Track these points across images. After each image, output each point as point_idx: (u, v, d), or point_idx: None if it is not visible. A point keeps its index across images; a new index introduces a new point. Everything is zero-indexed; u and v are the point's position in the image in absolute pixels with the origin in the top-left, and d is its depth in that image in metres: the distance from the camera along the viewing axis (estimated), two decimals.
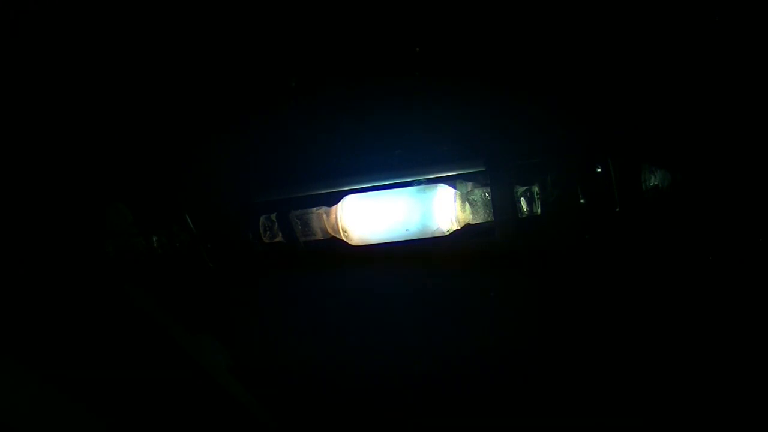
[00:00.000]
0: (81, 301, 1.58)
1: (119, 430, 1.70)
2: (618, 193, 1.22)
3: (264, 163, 1.54)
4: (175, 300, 1.64)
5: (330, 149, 1.50)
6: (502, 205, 1.27)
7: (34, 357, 1.58)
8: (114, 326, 1.62)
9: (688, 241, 1.35)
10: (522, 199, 1.26)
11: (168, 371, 1.68)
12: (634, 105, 1.32)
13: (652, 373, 1.50)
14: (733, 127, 1.26)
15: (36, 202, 1.54)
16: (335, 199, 1.39)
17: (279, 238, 1.43)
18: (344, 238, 1.37)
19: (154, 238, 1.49)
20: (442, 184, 1.33)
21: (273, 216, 1.43)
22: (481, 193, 1.30)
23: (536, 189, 1.26)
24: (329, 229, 1.39)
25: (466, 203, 1.30)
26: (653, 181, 1.22)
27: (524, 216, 1.27)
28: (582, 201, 1.24)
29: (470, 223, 1.31)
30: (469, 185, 1.33)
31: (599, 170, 1.23)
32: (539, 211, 1.26)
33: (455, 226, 1.32)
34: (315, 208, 1.41)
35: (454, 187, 1.32)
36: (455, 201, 1.30)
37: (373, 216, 1.34)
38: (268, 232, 1.44)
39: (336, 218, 1.36)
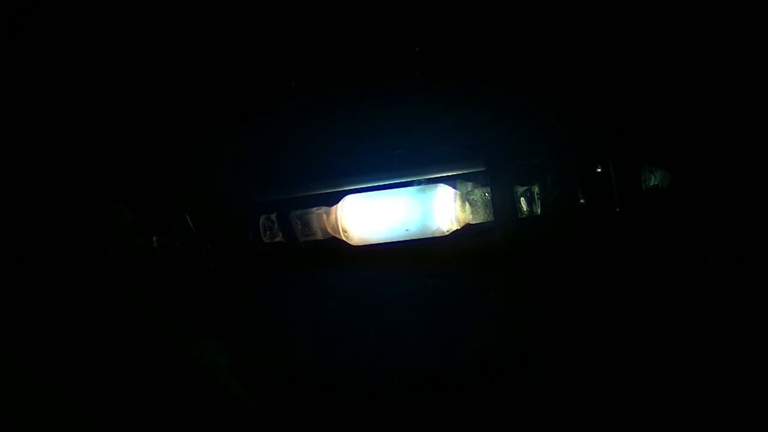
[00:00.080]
0: (81, 301, 1.58)
1: (119, 430, 1.70)
2: (618, 193, 1.22)
3: (264, 163, 1.54)
4: (175, 300, 1.64)
5: (330, 149, 1.50)
6: (502, 205, 1.27)
7: (34, 357, 1.58)
8: (114, 326, 1.62)
9: (688, 241, 1.35)
10: (522, 199, 1.26)
11: (168, 371, 1.68)
12: (634, 105, 1.32)
13: (652, 373, 1.50)
14: (733, 127, 1.26)
15: (36, 202, 1.54)
16: (335, 199, 1.39)
17: (279, 238, 1.43)
18: (344, 238, 1.37)
19: (154, 238, 1.49)
20: (442, 184, 1.33)
21: (273, 216, 1.43)
22: (481, 193, 1.30)
23: (536, 189, 1.26)
24: (329, 229, 1.39)
25: (466, 203, 1.30)
26: (653, 181, 1.22)
27: (524, 216, 1.27)
28: (582, 201, 1.24)
29: (470, 223, 1.31)
30: (469, 185, 1.33)
31: (599, 170, 1.23)
32: (539, 211, 1.26)
33: (455, 226, 1.32)
34: (315, 208, 1.41)
35: (454, 187, 1.33)
36: (455, 201, 1.30)
37: (373, 216, 1.34)
38: (268, 232, 1.44)
39: (336, 218, 1.36)
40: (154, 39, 1.45)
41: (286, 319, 1.69)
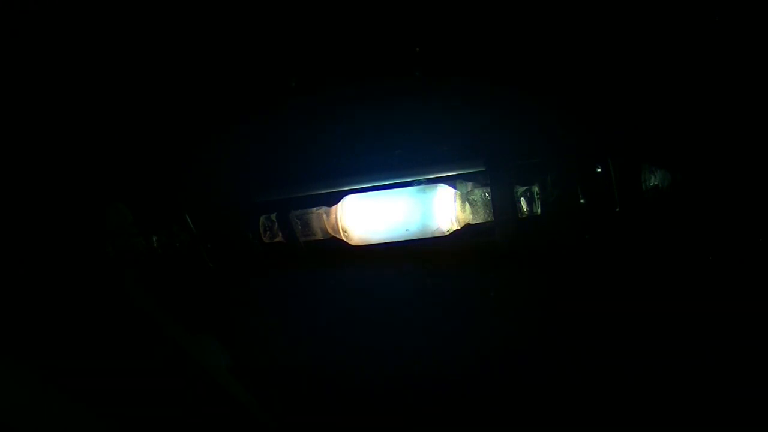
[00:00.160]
0: (81, 301, 1.58)
1: (119, 430, 1.70)
2: (618, 193, 1.22)
3: (264, 163, 1.54)
4: (175, 300, 1.64)
5: (330, 149, 1.50)
6: (502, 205, 1.27)
7: (34, 357, 1.58)
8: (114, 326, 1.62)
9: (688, 241, 1.35)
10: (522, 199, 1.26)
11: (168, 371, 1.68)
12: (634, 105, 1.32)
13: (652, 373, 1.49)
14: (733, 128, 1.26)
15: (36, 202, 1.54)
16: (335, 199, 1.39)
17: (279, 238, 1.43)
18: (344, 238, 1.37)
19: (154, 238, 1.49)
20: (442, 184, 1.33)
21: (273, 216, 1.43)
22: (481, 193, 1.30)
23: (536, 189, 1.26)
24: (329, 229, 1.39)
25: (466, 203, 1.30)
26: (653, 181, 1.22)
27: (524, 216, 1.27)
28: (582, 201, 1.24)
29: (470, 223, 1.31)
30: (469, 185, 1.33)
31: (599, 170, 1.23)
32: (539, 211, 1.26)
33: (455, 226, 1.32)
34: (315, 208, 1.41)
35: (454, 187, 1.33)
36: (455, 201, 1.30)
37: (373, 216, 1.34)
38: (268, 232, 1.44)
39: (336, 218, 1.36)
40: (154, 39, 1.45)
41: (286, 319, 1.69)
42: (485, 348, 1.58)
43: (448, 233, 1.32)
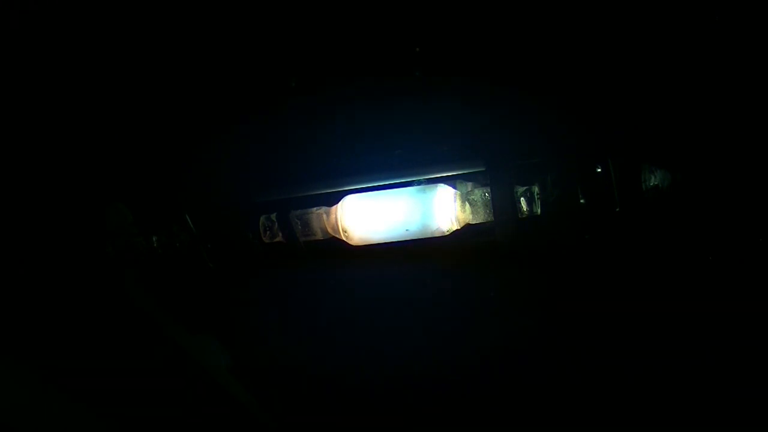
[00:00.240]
0: (81, 301, 1.58)
1: (119, 430, 1.70)
2: (618, 193, 1.22)
3: (264, 163, 1.54)
4: (175, 300, 1.64)
5: (330, 149, 1.50)
6: (502, 205, 1.27)
7: (34, 357, 1.58)
8: (114, 326, 1.62)
9: (688, 241, 1.35)
10: (522, 199, 1.26)
11: (168, 371, 1.68)
12: (634, 105, 1.32)
13: (652, 373, 1.49)
14: (733, 127, 1.26)
15: (36, 202, 1.54)
16: (335, 199, 1.39)
17: (279, 238, 1.43)
18: (344, 238, 1.37)
19: (154, 238, 1.49)
20: (442, 184, 1.33)
21: (273, 216, 1.43)
22: (481, 193, 1.30)
23: (536, 189, 1.26)
24: (329, 229, 1.39)
25: (466, 203, 1.30)
26: (653, 181, 1.22)
27: (524, 216, 1.27)
28: (582, 201, 1.24)
29: (470, 223, 1.31)
30: (469, 185, 1.33)
31: (599, 170, 1.23)
32: (539, 211, 1.26)
33: (455, 226, 1.32)
34: (315, 208, 1.41)
35: (454, 187, 1.33)
36: (455, 201, 1.30)
37: (373, 216, 1.34)
38: (268, 232, 1.44)
39: (336, 218, 1.36)
40: (154, 39, 1.45)
41: (286, 319, 1.69)
42: (485, 348, 1.58)
43: (448, 233, 1.32)
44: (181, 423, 1.73)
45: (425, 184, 1.36)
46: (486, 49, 1.37)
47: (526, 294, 1.52)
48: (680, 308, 1.40)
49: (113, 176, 1.55)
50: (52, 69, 1.48)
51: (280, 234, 1.43)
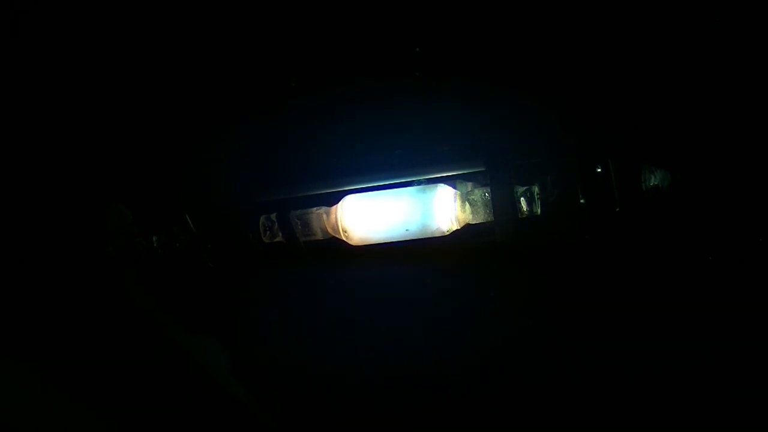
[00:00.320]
0: (81, 301, 1.58)
1: (119, 430, 1.70)
2: (618, 193, 1.22)
3: (264, 163, 1.54)
4: (175, 300, 1.64)
5: (330, 149, 1.50)
6: (502, 205, 1.27)
7: (34, 357, 1.58)
8: (114, 326, 1.62)
9: (688, 241, 1.35)
10: (522, 199, 1.26)
11: (168, 371, 1.68)
12: (634, 105, 1.32)
13: (652, 373, 1.49)
14: (733, 127, 1.26)
15: (36, 202, 1.54)
16: (335, 199, 1.39)
17: (279, 238, 1.43)
18: (344, 238, 1.37)
19: (154, 238, 1.49)
20: (442, 184, 1.33)
21: (273, 216, 1.43)
22: (481, 193, 1.30)
23: (536, 189, 1.26)
24: (329, 229, 1.39)
25: (466, 203, 1.30)
26: (653, 181, 1.22)
27: (524, 216, 1.27)
28: (582, 201, 1.24)
29: (470, 223, 1.31)
30: (469, 185, 1.33)
31: (599, 170, 1.23)
32: (539, 211, 1.26)
33: (455, 226, 1.32)
34: (315, 208, 1.41)
35: (454, 187, 1.33)
36: (455, 201, 1.30)
37: (373, 216, 1.34)
38: (268, 232, 1.44)
39: (336, 218, 1.36)
40: (154, 39, 1.45)
41: (286, 319, 1.69)
42: (485, 348, 1.58)
43: (448, 233, 1.32)
44: (181, 423, 1.73)
45: (425, 184, 1.36)
46: (486, 49, 1.37)
47: (526, 294, 1.52)
48: (680, 308, 1.40)
49: (113, 176, 1.55)
50: (52, 69, 1.48)
51: (280, 234, 1.43)
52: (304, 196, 1.45)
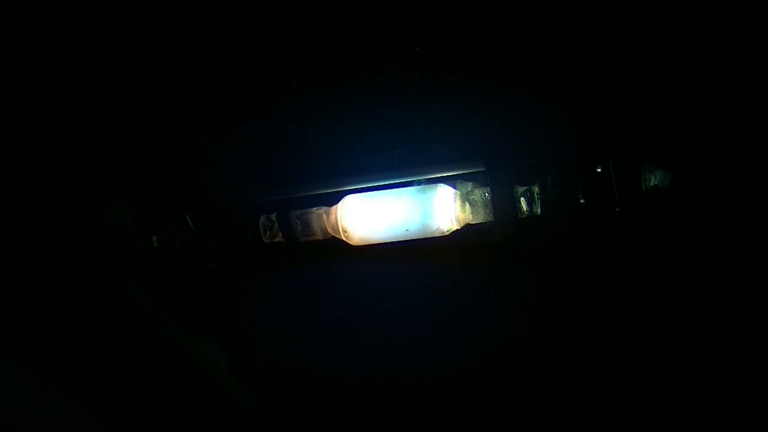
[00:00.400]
0: (81, 301, 1.58)
1: (119, 430, 1.70)
2: (618, 193, 1.22)
3: (264, 163, 1.54)
4: (175, 300, 1.64)
5: (330, 149, 1.50)
6: (502, 205, 1.27)
7: (34, 357, 1.58)
8: (114, 326, 1.62)
9: (688, 241, 1.35)
10: (522, 199, 1.26)
11: (168, 371, 1.68)
12: (634, 105, 1.32)
13: (652, 372, 1.50)
14: (733, 127, 1.26)
15: (36, 202, 1.54)
16: (335, 199, 1.39)
17: (279, 238, 1.43)
18: (344, 238, 1.37)
19: (154, 238, 1.49)
20: (442, 184, 1.33)
21: (273, 216, 1.43)
22: (481, 193, 1.30)
23: (536, 189, 1.26)
24: (329, 229, 1.39)
25: (466, 203, 1.30)
26: (653, 181, 1.22)
27: (524, 216, 1.27)
28: (582, 201, 1.24)
29: (470, 223, 1.31)
30: (469, 185, 1.33)
31: (599, 170, 1.23)
32: (539, 211, 1.26)
33: (455, 226, 1.32)
34: (315, 208, 1.41)
35: (454, 187, 1.33)
36: (455, 201, 1.30)
37: (373, 216, 1.34)
38: (268, 232, 1.43)
39: (336, 218, 1.36)
40: (154, 39, 1.45)
41: (286, 319, 1.69)
42: (485, 348, 1.58)
43: (448, 233, 1.32)
44: (181, 423, 1.73)
45: (425, 184, 1.36)
46: (486, 49, 1.37)
47: (526, 294, 1.52)
48: (680, 308, 1.40)
49: (113, 176, 1.55)
50: (52, 69, 1.48)
51: (280, 234, 1.43)
52: (304, 196, 1.45)
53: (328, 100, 1.48)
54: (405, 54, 1.40)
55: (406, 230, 1.32)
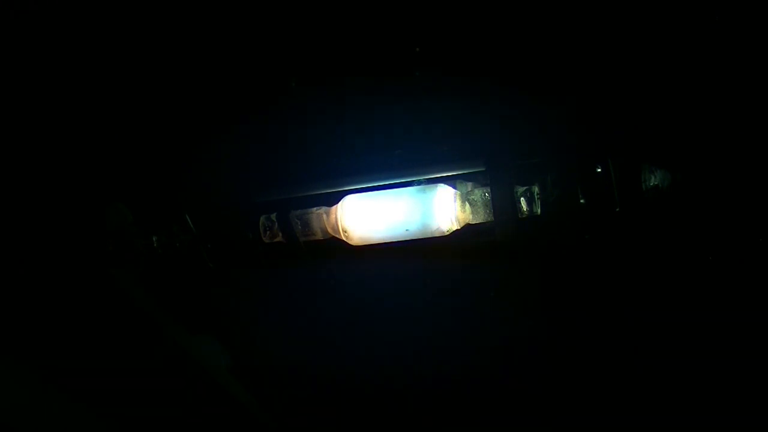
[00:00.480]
0: (81, 301, 1.58)
1: (119, 430, 1.70)
2: (618, 193, 1.22)
3: (264, 163, 1.54)
4: (175, 300, 1.64)
5: (330, 149, 1.50)
6: (502, 205, 1.27)
7: (34, 357, 1.58)
8: (114, 326, 1.62)
9: (688, 241, 1.35)
10: (522, 199, 1.26)
11: (168, 371, 1.68)
12: (634, 105, 1.32)
13: (652, 372, 1.49)
14: (733, 127, 1.26)
15: (36, 202, 1.54)
16: (335, 199, 1.39)
17: (279, 238, 1.43)
18: (344, 238, 1.37)
19: (154, 238, 1.49)
20: (442, 184, 1.33)
21: (273, 216, 1.43)
22: (481, 193, 1.30)
23: (536, 189, 1.26)
24: (329, 229, 1.39)
25: (466, 203, 1.30)
26: (653, 181, 1.22)
27: (524, 216, 1.27)
28: (582, 201, 1.24)
29: (470, 223, 1.31)
30: (469, 185, 1.33)
31: (599, 170, 1.23)
32: (539, 211, 1.26)
33: (455, 226, 1.32)
34: (315, 208, 1.41)
35: (454, 187, 1.33)
36: (455, 201, 1.30)
37: (373, 216, 1.34)
38: (268, 232, 1.44)
39: (336, 218, 1.36)
40: (153, 39, 1.45)
41: (286, 319, 1.69)
42: (485, 348, 1.58)
43: (448, 233, 1.32)
44: (181, 423, 1.73)
45: (425, 184, 1.36)
46: (486, 49, 1.37)
47: (526, 294, 1.52)
48: (680, 308, 1.40)
49: (113, 176, 1.55)
50: (51, 69, 1.48)
51: (280, 234, 1.43)
52: (304, 196, 1.45)
53: (328, 100, 1.48)
54: (405, 54, 1.40)
55: (406, 230, 1.32)
